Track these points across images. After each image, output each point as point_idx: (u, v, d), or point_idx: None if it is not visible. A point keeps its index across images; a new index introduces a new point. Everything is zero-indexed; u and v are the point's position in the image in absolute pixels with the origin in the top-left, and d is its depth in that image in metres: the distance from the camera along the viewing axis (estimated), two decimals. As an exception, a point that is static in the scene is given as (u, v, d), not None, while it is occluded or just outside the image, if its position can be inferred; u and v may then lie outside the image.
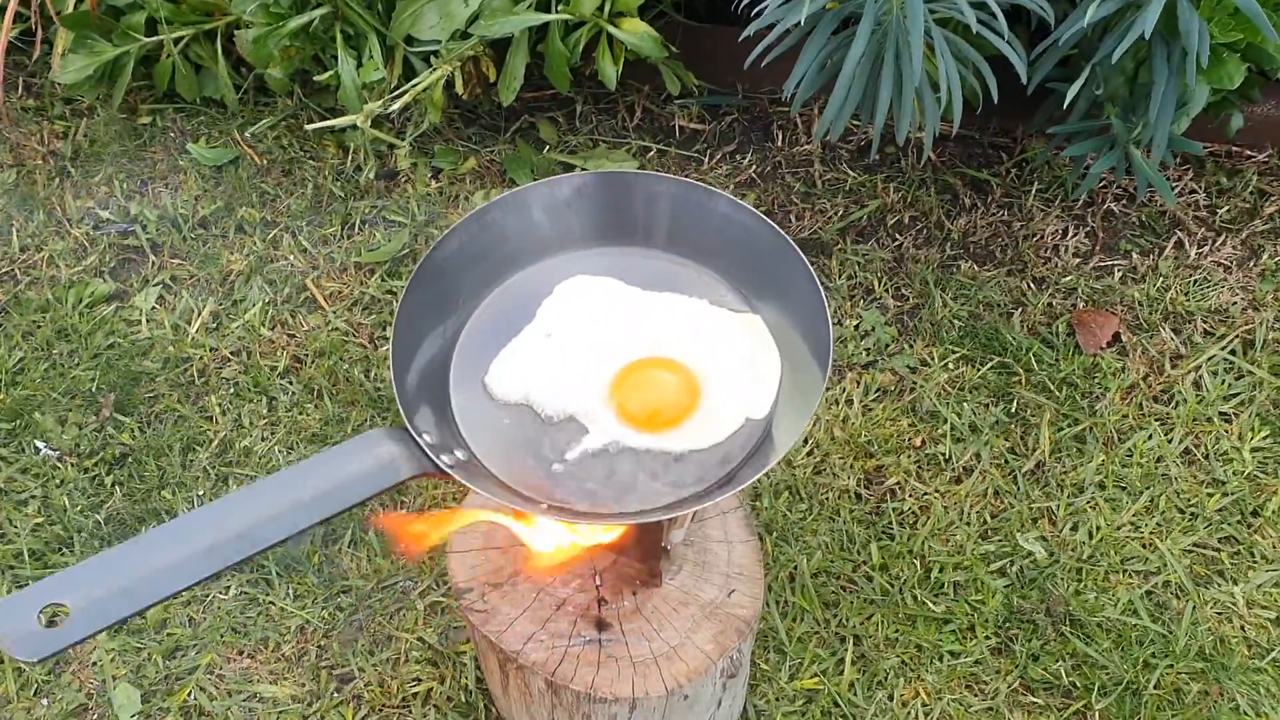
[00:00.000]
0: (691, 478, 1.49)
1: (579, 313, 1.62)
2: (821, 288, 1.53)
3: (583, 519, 1.46)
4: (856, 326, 2.53)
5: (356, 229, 2.53)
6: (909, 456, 2.24)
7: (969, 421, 2.26)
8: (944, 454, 2.25)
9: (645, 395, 1.55)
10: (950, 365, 2.32)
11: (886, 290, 2.43)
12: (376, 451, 1.41)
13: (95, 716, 2.05)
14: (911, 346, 2.37)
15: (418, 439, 1.41)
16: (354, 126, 2.54)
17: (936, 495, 2.18)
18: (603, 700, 1.67)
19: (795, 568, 2.04)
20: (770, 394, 1.56)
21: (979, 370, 2.30)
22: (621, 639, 1.71)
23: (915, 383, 2.30)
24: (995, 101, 2.11)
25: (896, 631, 2.03)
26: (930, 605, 2.06)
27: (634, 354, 1.57)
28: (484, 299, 1.65)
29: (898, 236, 2.51)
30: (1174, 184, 2.71)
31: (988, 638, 2.03)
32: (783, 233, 1.57)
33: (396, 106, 2.52)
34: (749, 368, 1.57)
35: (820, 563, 2.09)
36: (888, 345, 2.38)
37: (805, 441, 2.14)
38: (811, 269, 1.53)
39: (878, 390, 2.32)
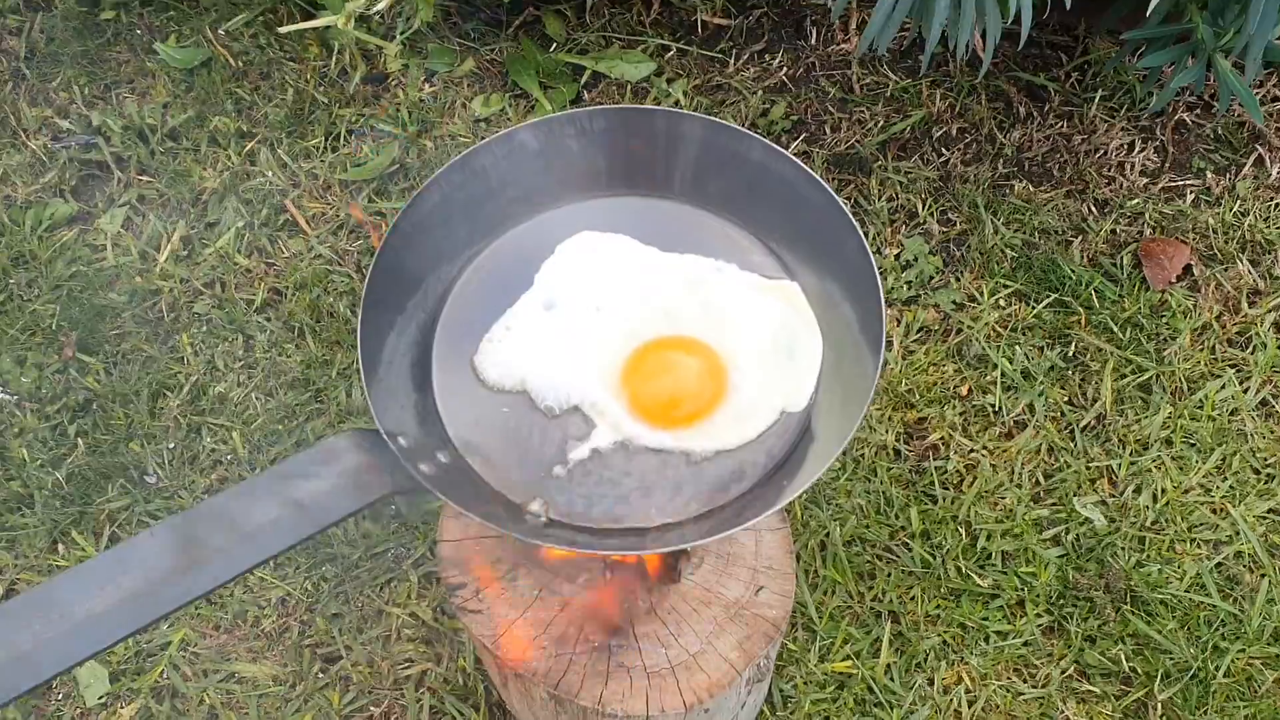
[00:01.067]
0: (719, 484, 1.31)
1: (585, 278, 1.43)
2: (871, 253, 1.33)
3: (587, 544, 1.24)
4: (897, 256, 2.28)
5: (342, 141, 2.35)
6: (954, 408, 2.03)
7: (1021, 367, 2.05)
8: (993, 405, 2.05)
9: (662, 384, 1.36)
10: (1001, 302, 2.10)
11: (931, 214, 2.20)
12: (340, 465, 1.20)
13: (60, 696, 1.87)
14: (958, 279, 2.14)
15: (391, 444, 1.21)
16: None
17: (984, 452, 1.98)
18: (612, 717, 1.46)
19: (827, 535, 1.85)
20: (811, 381, 1.36)
21: (1033, 308, 2.09)
22: (634, 645, 1.50)
23: (962, 322, 2.09)
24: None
25: (938, 608, 1.85)
26: (976, 579, 1.89)
27: (649, 331, 1.39)
28: (472, 261, 1.45)
29: (944, 151, 2.30)
30: (1255, 91, 2.41)
31: (1039, 616, 1.87)
32: (828, 186, 1.36)
33: (383, 4, 2.21)
34: (785, 349, 1.38)
35: (854, 529, 1.90)
36: (931, 278, 2.15)
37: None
38: (860, 230, 1.33)
39: (920, 330, 2.11)
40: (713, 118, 1.41)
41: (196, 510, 1.15)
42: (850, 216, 1.34)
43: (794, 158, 1.38)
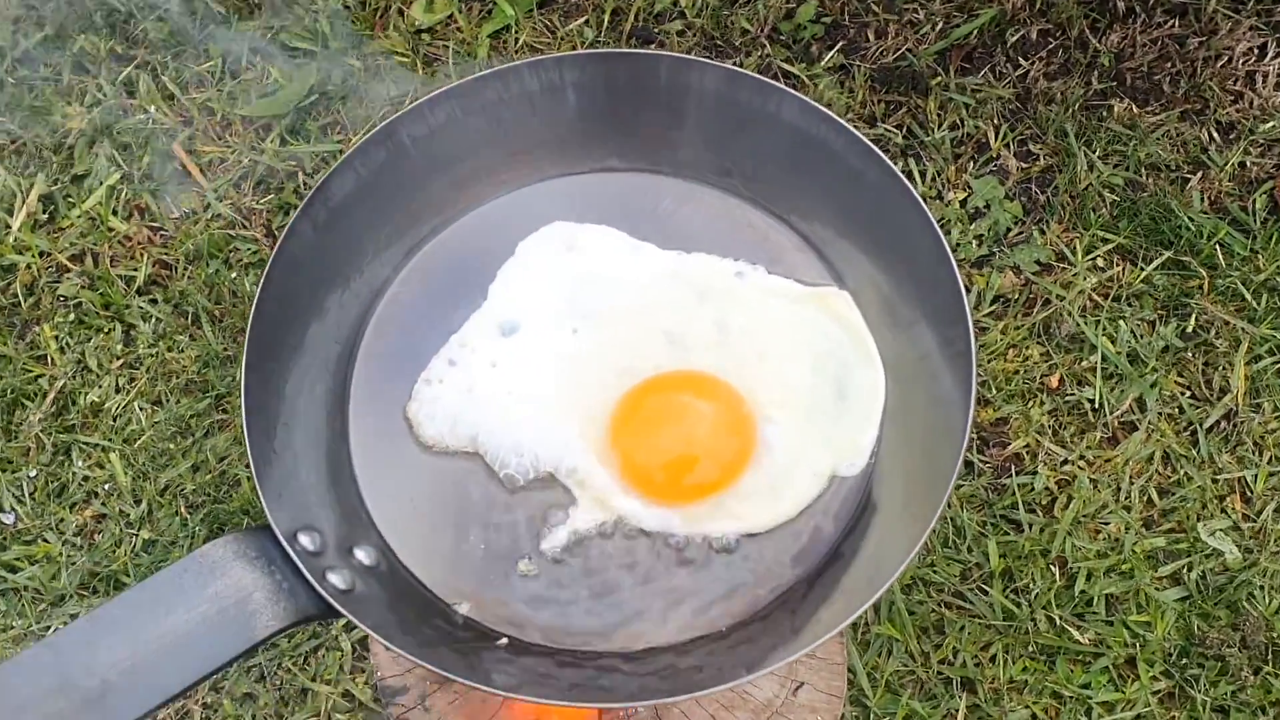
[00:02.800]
0: (749, 585, 1.17)
1: (557, 289, 1.29)
2: (945, 240, 1.18)
3: (565, 688, 1.10)
4: (963, 202, 2.09)
5: (244, 64, 2.16)
6: (1041, 404, 1.89)
7: (1127, 349, 1.90)
8: (1091, 400, 1.90)
9: (665, 441, 1.22)
10: (1099, 262, 1.95)
11: (1007, 145, 2.04)
12: (215, 588, 1.03)
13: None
14: (1043, 232, 2.00)
15: (291, 549, 1.06)
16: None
17: (1081, 464, 1.85)
18: None
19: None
20: (870, 431, 1.23)
21: (1141, 269, 1.96)
22: (633, 768, 1.33)
23: (1048, 289, 1.97)
24: None
25: (1026, 672, 1.75)
26: (1073, 632, 1.78)
27: (646, 365, 1.25)
28: (402, 269, 1.32)
29: (1022, 62, 2.17)
30: None
31: (1155, 680, 1.79)
32: (883, 155, 1.21)
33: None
34: (834, 386, 1.25)
35: (915, 568, 1.72)
36: (1008, 230, 1.99)
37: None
38: (929, 212, 1.18)
39: (995, 300, 1.93)
40: (730, 65, 1.27)
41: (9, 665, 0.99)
42: (919, 199, 1.19)
43: (838, 118, 1.23)
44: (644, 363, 1.23)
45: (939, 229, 1.14)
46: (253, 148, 2.19)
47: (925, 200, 1.86)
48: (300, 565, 1.04)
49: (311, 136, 2.16)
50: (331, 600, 1.04)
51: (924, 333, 1.19)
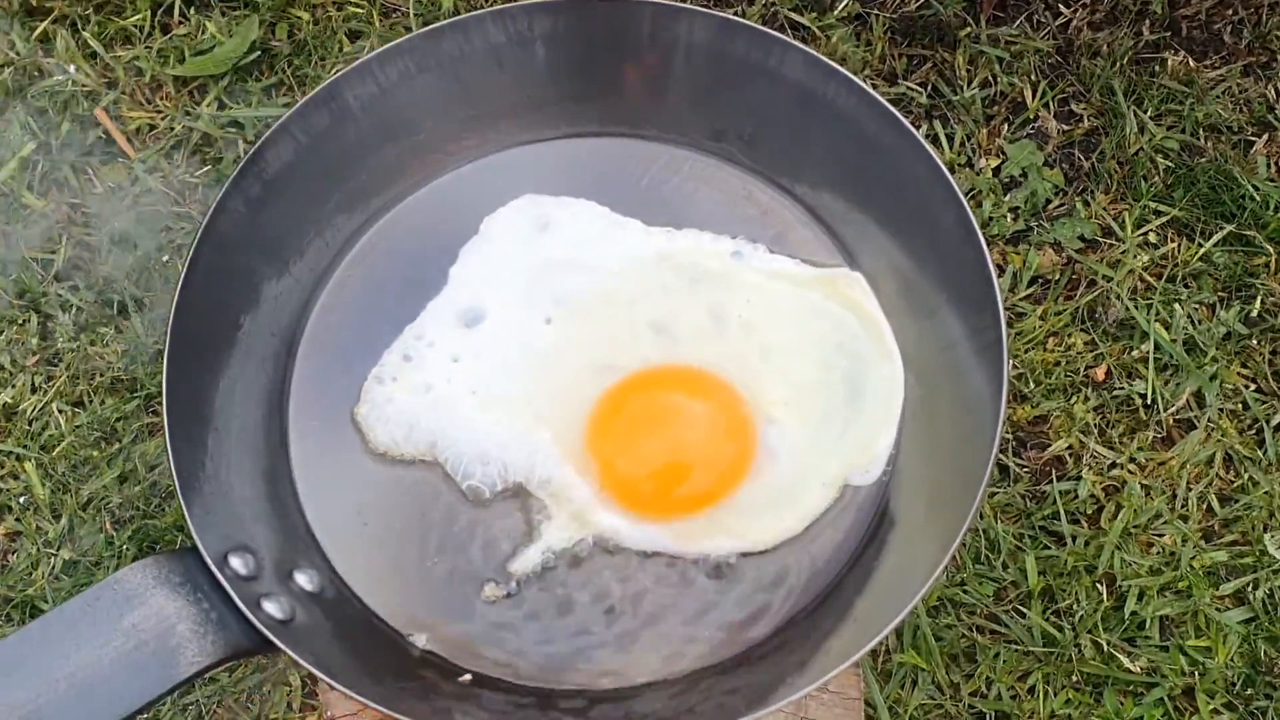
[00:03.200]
0: (749, 611, 1.19)
1: (527, 273, 1.30)
2: (971, 214, 1.19)
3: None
4: (996, 170, 2.08)
5: (175, 17, 2.11)
6: (1086, 400, 1.94)
7: (1184, 336, 1.90)
8: (1142, 395, 1.89)
9: (653, 447, 1.24)
10: (1152, 237, 1.95)
11: (1046, 105, 2.04)
12: (132, 619, 1.03)
13: None
14: (1087, 204, 2.02)
15: (221, 575, 1.06)
16: None
17: (1132, 468, 1.83)
18: None
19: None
20: (887, 434, 1.25)
21: (1199, 245, 1.95)
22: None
23: (1094, 269, 1.94)
24: None
25: (1069, 705, 1.76)
26: (1123, 659, 1.80)
27: (630, 360, 1.26)
28: (349, 249, 1.33)
29: (1063, 10, 2.13)
30: None
31: (1216, 713, 1.74)
32: (900, 115, 1.21)
33: None
34: (846, 383, 1.26)
35: (942, 588, 1.76)
36: (1048, 202, 2.00)
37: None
38: (954, 183, 1.19)
39: (1032, 282, 1.93)
40: (724, 13, 1.26)
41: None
42: (942, 167, 1.19)
43: (851, 74, 1.23)
44: (627, 357, 1.23)
45: (965, 201, 1.15)
46: (186, 113, 2.18)
47: (952, 169, 1.82)
48: (231, 592, 1.04)
49: (254, 99, 2.15)
50: (267, 632, 1.04)
51: (949, 320, 1.19)
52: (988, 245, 1.99)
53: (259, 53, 2.19)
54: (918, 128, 1.79)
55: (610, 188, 1.30)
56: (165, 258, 2.04)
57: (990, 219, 2.06)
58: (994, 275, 1.12)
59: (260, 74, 2.18)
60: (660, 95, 1.28)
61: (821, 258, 1.26)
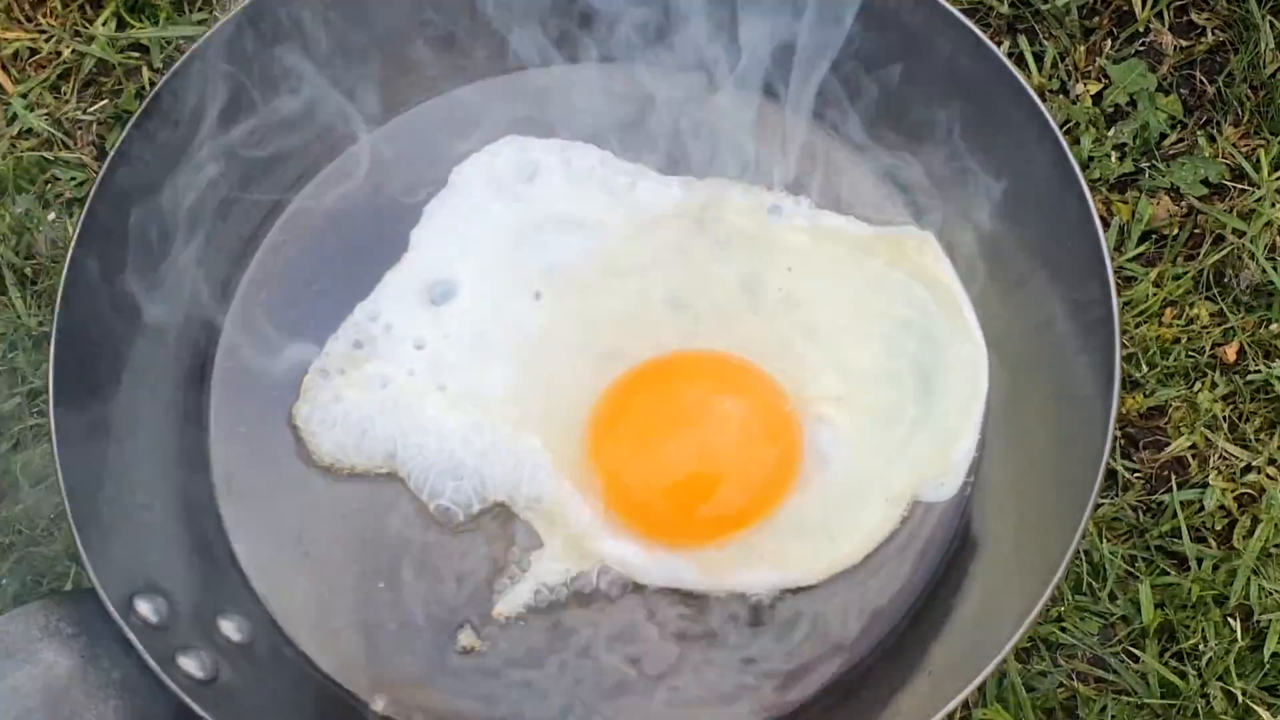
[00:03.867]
0: (797, 662, 1.18)
1: (507, 237, 1.30)
2: (1071, 154, 1.19)
3: None
4: (1097, 97, 2.06)
5: None
6: (1213, 386, 1.91)
7: None
8: None
9: (669, 456, 1.23)
10: None
11: (1159, 15, 2.05)
12: (13, 682, 1.03)
13: None
14: (1213, 139, 1.99)
15: (124, 623, 1.05)
16: None
17: (1272, 471, 1.91)
18: None
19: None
20: (969, 437, 1.24)
21: None
22: None
23: (1221, 220, 1.99)
24: None
25: None
26: (1263, 713, 1.77)
27: (641, 346, 1.25)
28: (282, 210, 1.32)
29: None
30: None
31: None
32: (977, 29, 1.22)
33: None
34: (915, 372, 1.26)
35: (1035, 624, 1.66)
36: (1163, 137, 2.01)
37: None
38: (1048, 113, 1.19)
39: (1144, 238, 1.98)
40: None
41: None
42: (1032, 93, 1.20)
43: None
44: (638, 341, 1.23)
45: (1063, 139, 1.14)
46: (76, 34, 2.17)
47: (1043, 96, 1.79)
48: (137, 645, 1.03)
49: (160, 15, 2.13)
50: (184, 696, 1.03)
51: (1044, 291, 1.19)
52: (1090, 188, 1.99)
53: (168, -41, 2.16)
54: (998, 44, 1.77)
55: (612, 126, 1.29)
56: (51, 216, 2.03)
57: (1090, 159, 2.04)
58: (1101, 234, 1.12)
59: (171, -7, 2.16)
60: (676, 19, 1.28)
61: (883, 213, 1.27)
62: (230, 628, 1.14)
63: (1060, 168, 1.15)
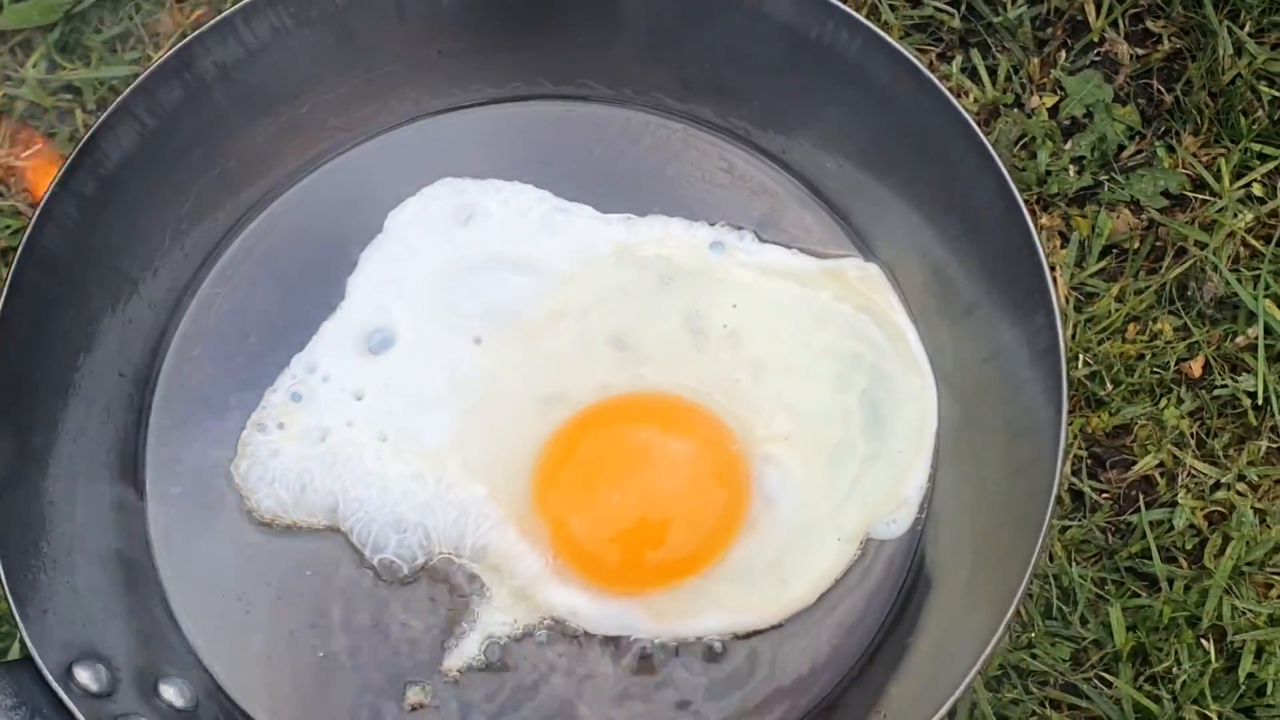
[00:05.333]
0: (745, 710, 1.19)
1: (446, 282, 1.31)
2: (1015, 189, 1.19)
3: None
4: (1054, 110, 2.07)
5: None
6: (1179, 402, 1.92)
7: None
8: (1251, 393, 1.95)
9: (616, 501, 1.24)
10: (1257, 190, 2.04)
11: (1114, 23, 2.10)
12: None
13: None
14: (1172, 150, 2.00)
15: (61, 690, 1.06)
16: None
17: (1241, 488, 1.90)
18: None
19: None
20: (919, 472, 1.26)
21: None
22: None
23: (1183, 232, 2.00)
24: None
25: None
26: None
27: (584, 390, 1.26)
28: (213, 263, 1.33)
29: None
30: None
31: None
32: (914, 57, 1.22)
33: None
34: (864, 407, 1.26)
35: (1005, 651, 1.70)
36: (1121, 149, 2.03)
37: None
38: (987, 142, 1.19)
39: (1106, 252, 2.00)
40: None
41: None
42: (973, 124, 1.20)
43: (847, 8, 1.23)
44: (582, 384, 1.23)
45: (1004, 168, 1.15)
46: (8, 76, 2.17)
47: (997, 110, 1.81)
48: (77, 715, 1.03)
49: (93, 56, 2.14)
50: None
51: (992, 320, 1.19)
52: (1045, 207, 1.98)
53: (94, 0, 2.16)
54: (950, 59, 1.77)
55: (550, 166, 1.30)
56: (-26, 261, 2.02)
57: (1048, 174, 2.05)
58: (1045, 262, 1.12)
59: (100, 23, 2.15)
60: (608, 40, 1.29)
61: (826, 245, 1.28)
62: (173, 693, 1.14)
63: (1002, 195, 1.15)
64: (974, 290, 1.21)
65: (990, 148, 1.17)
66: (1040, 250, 1.14)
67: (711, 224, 1.29)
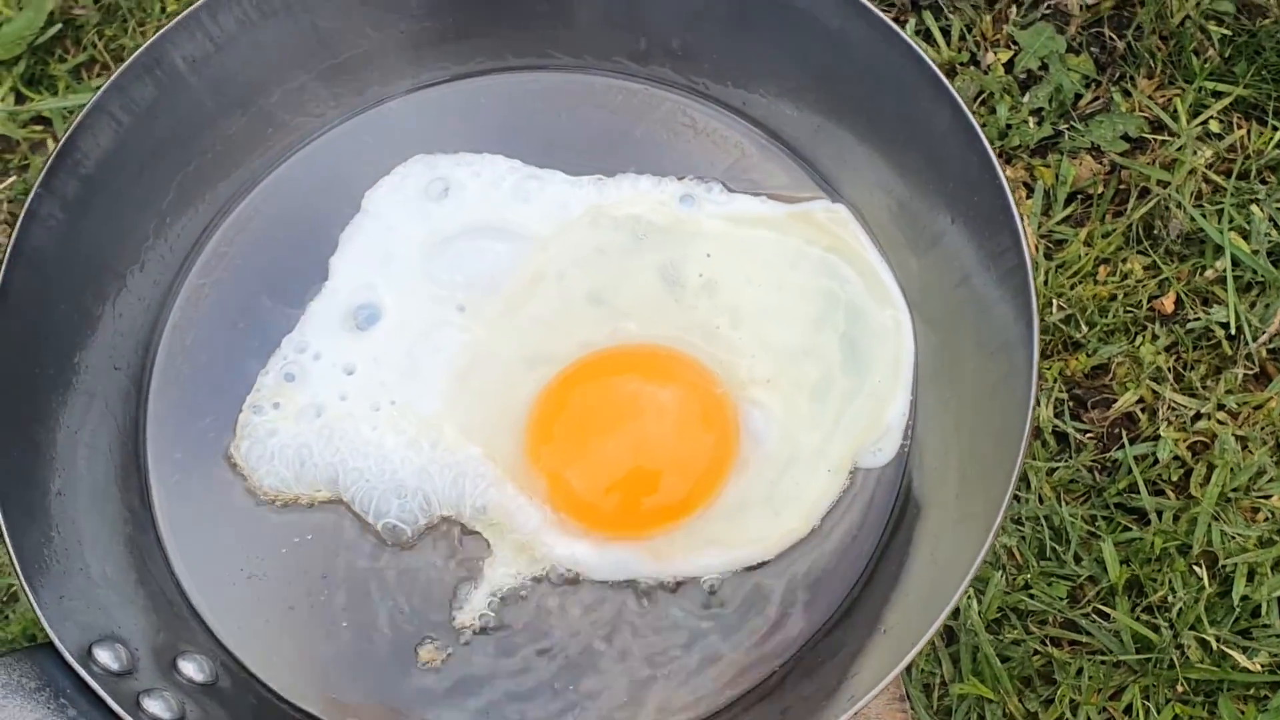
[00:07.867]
0: (753, 637, 1.19)
1: (426, 255, 1.31)
2: (972, 116, 1.19)
3: None
4: (1009, 65, 2.08)
5: None
6: (1154, 339, 1.92)
7: (1268, 245, 1.88)
8: (1223, 324, 1.87)
9: (608, 450, 1.24)
10: (1213, 126, 1.95)
11: None
12: None
13: None
14: (1128, 94, 2.02)
15: (83, 671, 1.06)
16: None
17: (1222, 416, 1.82)
18: None
19: (954, 615, 1.65)
20: (899, 401, 1.26)
21: (1274, 129, 1.88)
22: None
23: (1145, 173, 1.94)
24: None
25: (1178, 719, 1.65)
26: (1237, 656, 1.77)
27: (568, 347, 1.27)
28: (198, 253, 1.34)
29: None
30: None
31: None
32: (874, 6, 1.22)
33: None
34: (842, 345, 1.27)
35: (1001, 595, 1.71)
36: (1079, 98, 2.04)
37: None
38: (943, 76, 1.20)
39: (1071, 199, 2.01)
40: None
41: None
42: (925, 57, 1.21)
43: None
44: (565, 342, 1.24)
45: (959, 96, 1.15)
46: (-32, 103, 2.18)
47: (953, 69, 1.84)
48: (101, 693, 1.04)
49: (60, 85, 2.14)
50: None
51: (959, 247, 1.20)
52: (1009, 160, 1.99)
53: (60, 25, 2.16)
54: (903, 23, 1.78)
55: (519, 135, 1.30)
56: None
57: (1008, 127, 2.05)
58: (1005, 182, 1.12)
59: (65, 52, 2.16)
60: (566, 11, 1.29)
61: (793, 190, 1.28)
62: (191, 668, 1.14)
63: (961, 126, 1.15)
64: (939, 220, 1.22)
65: (943, 77, 1.17)
66: (1000, 172, 1.14)
67: (680, 178, 1.29)
